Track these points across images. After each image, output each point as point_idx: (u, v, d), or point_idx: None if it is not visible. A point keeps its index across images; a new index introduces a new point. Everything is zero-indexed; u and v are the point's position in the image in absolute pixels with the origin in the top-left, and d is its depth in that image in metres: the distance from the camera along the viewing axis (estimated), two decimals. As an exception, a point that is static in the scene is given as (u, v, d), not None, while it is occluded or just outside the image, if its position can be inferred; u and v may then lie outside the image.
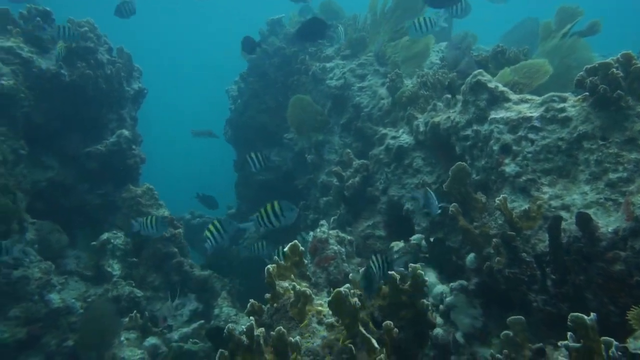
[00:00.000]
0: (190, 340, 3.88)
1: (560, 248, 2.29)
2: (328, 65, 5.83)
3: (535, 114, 2.66)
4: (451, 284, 3.14)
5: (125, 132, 5.22)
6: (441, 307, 3.14)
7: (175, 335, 3.91)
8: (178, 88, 33.06)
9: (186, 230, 7.81)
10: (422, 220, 3.75)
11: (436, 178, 3.64)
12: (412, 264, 2.30)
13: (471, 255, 3.14)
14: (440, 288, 3.22)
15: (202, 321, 4.15)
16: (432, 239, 3.46)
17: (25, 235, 4.04)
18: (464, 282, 3.11)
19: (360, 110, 5.13)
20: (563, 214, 2.40)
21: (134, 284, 4.31)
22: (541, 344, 2.20)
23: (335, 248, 3.21)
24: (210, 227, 3.11)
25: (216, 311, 4.17)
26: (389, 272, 2.30)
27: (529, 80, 3.18)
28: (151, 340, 3.72)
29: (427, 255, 3.47)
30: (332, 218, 4.28)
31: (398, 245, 3.55)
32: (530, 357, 2.10)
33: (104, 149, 5.01)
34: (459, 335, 3.09)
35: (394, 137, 4.08)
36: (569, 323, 1.77)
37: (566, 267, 2.24)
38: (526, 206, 2.59)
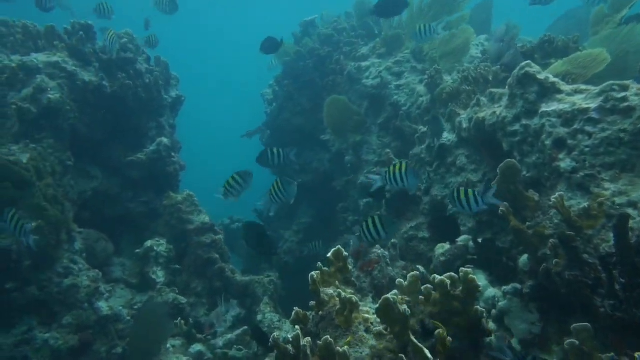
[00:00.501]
0: (235, 346, 3.86)
1: (628, 248, 2.11)
2: (363, 64, 5.73)
3: (593, 105, 2.47)
4: (504, 287, 2.98)
5: (165, 140, 5.29)
6: (493, 312, 2.99)
7: (219, 341, 3.91)
8: (214, 94, 33.73)
9: (226, 235, 7.92)
10: (468, 220, 3.59)
11: (482, 176, 3.48)
12: (463, 268, 2.17)
13: (524, 257, 2.97)
14: (491, 292, 3.06)
15: (246, 327, 4.13)
16: (480, 240, 3.30)
17: (73, 244, 4.13)
18: (518, 286, 2.94)
19: (399, 109, 5.01)
20: (630, 211, 2.22)
21: (177, 291, 4.34)
22: (612, 354, 2.03)
23: (379, 252, 3.11)
24: (273, 186, 3.24)
25: (259, 317, 4.15)
26: (439, 278, 2.18)
27: (584, 70, 2.98)
28: (196, 347, 3.72)
29: (475, 257, 3.32)
30: (374, 220, 4.17)
31: (444, 247, 3.41)
32: (599, 368, 1.93)
33: (145, 157, 5.08)
34: (515, 342, 2.93)
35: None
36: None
37: (637, 269, 2.06)
38: (586, 204, 2.41)
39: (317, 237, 6.32)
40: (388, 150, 4.46)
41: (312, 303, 2.32)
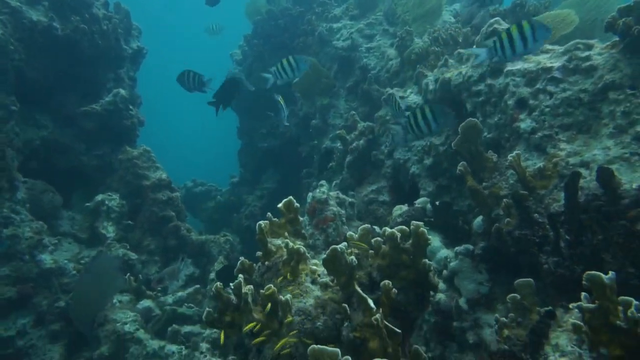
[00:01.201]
0: (185, 304, 3.77)
1: (577, 207, 2.10)
2: (335, 25, 5.56)
3: (557, 64, 2.42)
4: (456, 248, 2.96)
5: (122, 92, 5.04)
6: (445, 272, 2.98)
7: (169, 299, 3.80)
8: (177, 51, 32.48)
9: (188, 198, 7.73)
10: (428, 184, 3.55)
11: (444, 139, 3.43)
12: (414, 222, 2.11)
13: (478, 219, 2.95)
14: (444, 252, 3.04)
15: (198, 286, 4.03)
16: (437, 203, 3.27)
17: (15, 194, 3.91)
18: (470, 247, 2.93)
19: (368, 72, 4.89)
20: (582, 171, 2.20)
21: (128, 247, 4.18)
22: (550, 308, 2.03)
23: (335, 209, 3.03)
24: (283, 61, 3.09)
25: (212, 275, 4.05)
26: (389, 231, 2.12)
27: (552, 31, 2.91)
28: (145, 304, 3.61)
29: (432, 220, 3.29)
30: (334, 182, 4.10)
31: (402, 209, 3.36)
32: (537, 321, 1.92)
33: (100, 108, 4.83)
34: (462, 301, 2.93)
35: (401, 98, 3.85)
36: (584, 282, 1.60)
37: (582, 227, 2.05)
38: (541, 164, 2.38)
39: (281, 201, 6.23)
40: (353, 112, 4.36)
41: (259, 253, 2.23)
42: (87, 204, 4.33)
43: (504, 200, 2.47)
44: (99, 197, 4.35)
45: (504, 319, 2.07)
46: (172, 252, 4.34)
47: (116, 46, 5.18)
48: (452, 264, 2.93)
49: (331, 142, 5.30)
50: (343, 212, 3.11)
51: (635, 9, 2.11)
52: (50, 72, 4.57)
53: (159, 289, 3.79)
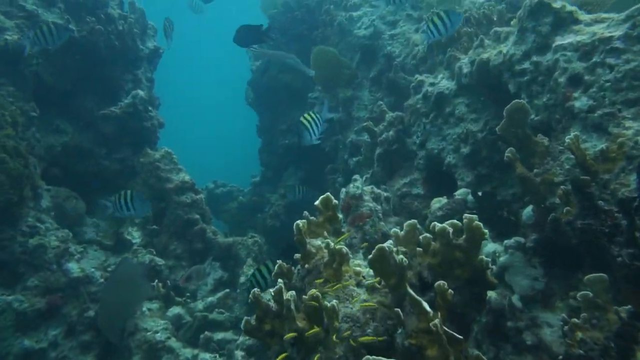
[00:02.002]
0: (216, 310, 3.63)
1: (653, 191, 1.87)
2: (355, 14, 5.35)
3: (617, 33, 2.19)
4: (506, 241, 2.74)
5: (141, 93, 4.92)
6: (494, 268, 2.76)
7: (199, 304, 3.67)
8: (196, 51, 32.45)
9: (210, 200, 7.60)
10: (466, 174, 3.34)
11: (483, 125, 3.20)
12: (467, 215, 1.91)
13: (528, 209, 2.73)
14: (492, 247, 2.83)
15: (228, 290, 3.89)
16: (480, 193, 3.06)
17: (40, 202, 3.81)
18: (521, 239, 2.71)
19: (392, 60, 4.68)
20: (655, 150, 1.97)
21: (154, 252, 4.07)
22: (630, 307, 1.81)
23: (371, 205, 2.85)
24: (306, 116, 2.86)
25: (242, 279, 3.90)
26: (440, 226, 1.92)
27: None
28: (174, 310, 3.48)
29: (474, 212, 3.07)
30: (365, 177, 3.91)
31: (440, 201, 3.16)
32: (624, 322, 1.71)
33: (120, 111, 4.72)
34: (515, 299, 2.71)
35: (432, 84, 3.63)
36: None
37: (662, 213, 1.82)
38: (603, 146, 2.16)
39: (306, 199, 6.07)
40: (380, 102, 4.16)
41: (297, 256, 2.06)
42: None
43: (561, 187, 2.25)
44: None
45: (575, 319, 1.86)
46: (198, 256, 4.21)
47: (133, 46, 5.07)
48: (502, 258, 2.71)
49: (356, 136, 5.11)
50: (379, 207, 2.92)
51: None
52: (67, 75, 4.47)
53: (188, 294, 3.66)
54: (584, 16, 2.43)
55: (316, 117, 2.87)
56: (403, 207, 3.72)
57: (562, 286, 2.64)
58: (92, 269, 3.76)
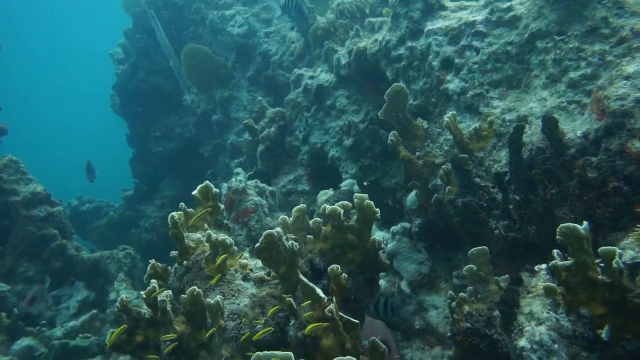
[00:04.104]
0: (80, 335, 3.12)
1: (523, 163, 1.96)
2: (227, 12, 5.16)
3: (479, 17, 2.30)
4: (393, 227, 2.75)
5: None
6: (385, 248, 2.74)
7: (57, 331, 3.12)
8: (53, 54, 29.43)
9: (74, 218, 6.75)
10: (350, 166, 3.32)
11: (364, 116, 3.22)
12: (358, 194, 1.83)
13: (412, 194, 2.77)
14: (380, 234, 2.82)
15: (95, 311, 3.38)
16: (365, 183, 3.05)
17: None
18: (407, 225, 2.73)
19: (269, 58, 4.57)
20: (521, 125, 2.08)
21: (-2, 277, 3.40)
22: (507, 276, 1.86)
23: (256, 199, 2.66)
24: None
25: (112, 296, 3.42)
26: (330, 207, 1.81)
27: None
28: (23, 343, 2.90)
29: (360, 202, 3.05)
30: (248, 174, 3.70)
31: (327, 194, 3.09)
32: (506, 289, 1.73)
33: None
34: (404, 285, 2.72)
35: (311, 77, 3.58)
36: (557, 237, 1.42)
37: (532, 183, 1.91)
38: (476, 125, 2.24)
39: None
40: (260, 98, 4.00)
41: (173, 253, 1.79)
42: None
43: (442, 167, 2.29)
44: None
45: (462, 294, 1.86)
46: (58, 276, 3.62)
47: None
48: (389, 245, 2.71)
49: (237, 137, 4.90)
50: (264, 202, 2.74)
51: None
52: None
53: (44, 322, 3.09)
54: (449, 3, 2.54)
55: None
56: (289, 204, 3.59)
57: (445, 268, 2.71)
58: None
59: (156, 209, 6.24)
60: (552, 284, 1.50)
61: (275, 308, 1.54)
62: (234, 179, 2.72)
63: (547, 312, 1.52)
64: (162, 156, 6.22)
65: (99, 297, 3.64)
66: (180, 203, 1.88)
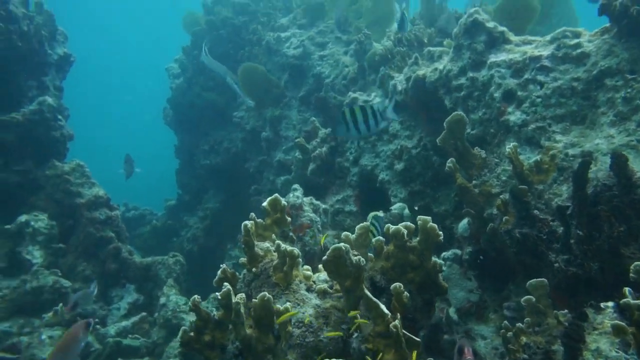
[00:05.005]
0: (130, 335, 3.25)
1: (586, 198, 1.98)
2: (283, 34, 5.36)
3: (545, 52, 2.35)
4: (443, 253, 2.78)
5: (49, 100, 4.46)
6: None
7: (111, 329, 3.26)
8: (110, 69, 30.96)
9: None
10: (399, 190, 3.37)
11: (417, 142, 3.28)
12: (421, 217, 1.89)
13: (464, 222, 2.80)
14: (430, 259, 2.84)
15: (144, 313, 3.52)
16: (416, 207, 3.09)
17: None
18: (458, 251, 2.76)
19: (322, 81, 4.71)
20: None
21: (59, 274, 3.59)
22: (566, 311, 1.86)
23: (311, 215, 2.76)
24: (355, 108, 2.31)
25: (162, 300, 3.55)
26: (394, 227, 1.87)
27: (512, 21, 2.88)
28: (82, 337, 3.04)
29: (410, 226, 3.10)
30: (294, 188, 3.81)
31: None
32: (570, 322, 1.74)
33: (22, 117, 4.21)
34: (452, 312, 2.73)
35: (365, 101, 3.68)
36: (631, 275, 1.44)
37: (596, 219, 1.92)
38: (537, 157, 2.27)
39: (226, 223, 5.80)
40: (314, 119, 4.13)
41: (242, 260, 1.89)
42: (7, 226, 3.68)
43: (500, 197, 2.32)
44: (23, 218, 3.72)
45: (520, 324, 1.87)
46: (112, 278, 3.79)
47: (39, 50, 4.61)
48: (440, 270, 2.73)
49: (285, 155, 5.03)
50: (318, 219, 2.83)
51: (628, -7, 2.08)
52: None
53: (97, 320, 3.24)
54: (514, 37, 2.61)
55: (371, 109, 2.31)
56: (336, 224, 3.66)
57: (494, 299, 2.71)
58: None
59: (198, 220, 6.42)
60: (622, 323, 1.48)
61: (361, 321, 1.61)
62: (291, 194, 2.82)
63: (617, 352, 1.52)
64: (208, 169, 6.42)
65: (148, 300, 3.78)
66: (251, 213, 1.99)
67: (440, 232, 1.84)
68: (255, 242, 1.86)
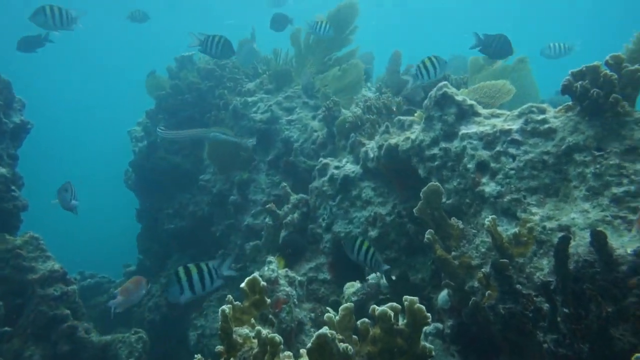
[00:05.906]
0: None
1: (569, 275, 1.97)
2: (250, 99, 5.40)
3: (514, 126, 2.42)
4: (425, 327, 2.68)
5: (2, 170, 4.23)
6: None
7: None
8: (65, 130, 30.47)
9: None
10: (374, 258, 3.31)
11: (391, 209, 3.27)
12: (408, 297, 1.82)
13: (444, 294, 2.74)
14: (411, 333, 2.74)
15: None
16: (393, 277, 3.02)
17: None
18: (440, 325, 2.68)
19: (290, 145, 4.72)
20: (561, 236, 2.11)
21: (2, 361, 3.25)
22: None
23: (287, 289, 2.63)
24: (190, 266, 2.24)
25: (122, 386, 3.26)
26: (380, 309, 1.79)
27: (491, 100, 3.01)
28: None
29: (388, 296, 3.02)
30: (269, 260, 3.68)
31: (354, 286, 3.06)
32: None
33: (-28, 188, 3.96)
34: (436, 391, 2.61)
35: (337, 167, 3.68)
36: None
37: (582, 297, 1.90)
38: (515, 230, 2.27)
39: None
40: (284, 184, 4.08)
41: (219, 348, 1.74)
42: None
43: (482, 270, 2.29)
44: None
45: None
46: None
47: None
48: (422, 345, 2.63)
49: (253, 219, 4.92)
50: (294, 292, 2.71)
51: (588, 72, 2.19)
52: None
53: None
54: (482, 110, 2.69)
55: (207, 268, 2.26)
56: (310, 293, 3.53)
57: (478, 376, 2.62)
58: None
59: (161, 287, 6.10)
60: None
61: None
62: (266, 268, 2.70)
63: None
64: (172, 233, 6.20)
65: (106, 386, 3.46)
66: (228, 296, 1.86)
67: (429, 315, 1.77)
68: (234, 328, 1.73)
